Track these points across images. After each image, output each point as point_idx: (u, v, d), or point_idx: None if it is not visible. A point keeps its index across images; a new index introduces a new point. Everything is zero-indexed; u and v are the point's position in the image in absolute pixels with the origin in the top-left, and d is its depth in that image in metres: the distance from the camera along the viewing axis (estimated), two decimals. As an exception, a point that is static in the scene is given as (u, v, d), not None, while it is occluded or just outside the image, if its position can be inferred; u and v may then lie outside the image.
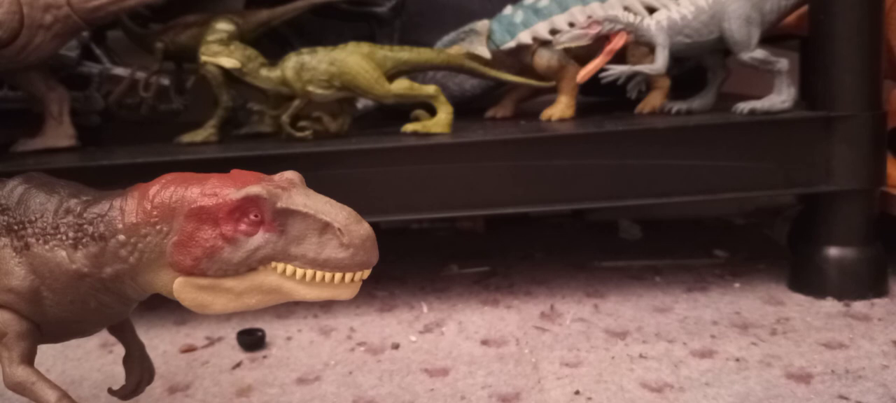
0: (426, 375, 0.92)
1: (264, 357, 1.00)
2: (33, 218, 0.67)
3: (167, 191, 0.63)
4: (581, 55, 1.17)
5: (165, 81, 1.26)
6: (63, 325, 0.69)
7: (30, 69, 1.13)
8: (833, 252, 1.09)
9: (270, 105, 1.17)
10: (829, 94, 1.07)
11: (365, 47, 1.10)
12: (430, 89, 1.12)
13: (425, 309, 1.14)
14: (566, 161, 1.06)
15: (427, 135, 1.10)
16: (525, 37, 1.20)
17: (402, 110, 1.17)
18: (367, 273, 0.62)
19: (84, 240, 0.65)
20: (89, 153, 1.13)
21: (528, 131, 1.10)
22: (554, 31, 1.18)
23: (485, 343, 1.01)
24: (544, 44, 1.20)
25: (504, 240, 1.50)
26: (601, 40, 1.10)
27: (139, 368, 0.78)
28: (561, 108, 1.20)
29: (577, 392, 0.85)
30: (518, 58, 1.22)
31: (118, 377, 0.88)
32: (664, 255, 1.33)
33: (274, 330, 1.08)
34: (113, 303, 0.68)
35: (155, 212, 0.62)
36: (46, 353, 1.01)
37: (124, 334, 0.78)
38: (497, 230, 1.59)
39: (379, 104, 1.18)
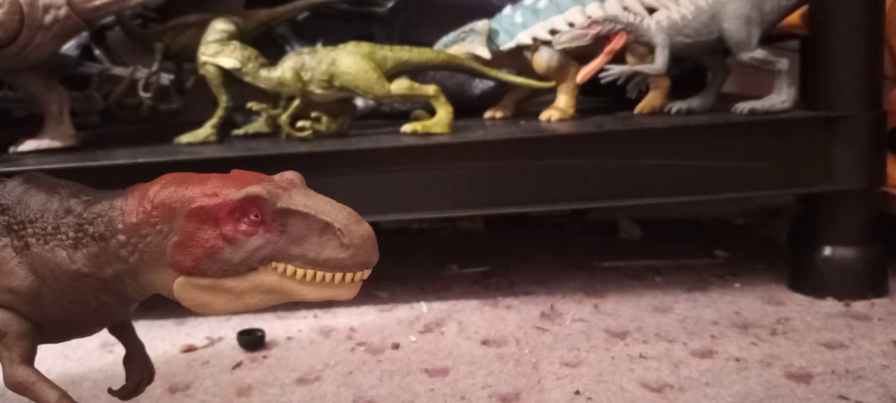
0: (426, 375, 0.92)
1: (264, 357, 1.00)
2: (33, 218, 0.67)
3: (167, 191, 0.63)
4: (581, 55, 1.17)
5: (165, 81, 1.26)
6: (63, 325, 0.69)
7: (30, 69, 1.13)
8: (833, 252, 1.09)
9: (270, 105, 1.17)
10: (829, 94, 1.07)
11: (365, 47, 1.11)
12: (430, 89, 1.12)
13: (425, 309, 1.14)
14: (566, 161, 1.06)
15: (427, 135, 1.10)
16: (525, 37, 1.20)
17: (402, 110, 1.17)
18: (367, 273, 0.62)
19: (84, 240, 0.65)
20: (89, 153, 1.13)
21: (528, 131, 1.10)
22: (554, 32, 1.18)
23: (485, 343, 1.01)
24: (544, 44, 1.20)
25: (504, 240, 1.50)
26: (601, 40, 1.10)
27: (139, 368, 0.78)
28: (561, 108, 1.20)
29: (577, 392, 0.85)
30: (518, 58, 1.22)
31: (118, 377, 0.88)
32: (664, 255, 1.33)
33: (274, 330, 1.08)
34: (113, 303, 0.68)
35: (155, 213, 0.62)
36: (46, 353, 1.01)
37: (124, 334, 0.78)
38: (497, 230, 1.59)
39: (379, 104, 1.18)
